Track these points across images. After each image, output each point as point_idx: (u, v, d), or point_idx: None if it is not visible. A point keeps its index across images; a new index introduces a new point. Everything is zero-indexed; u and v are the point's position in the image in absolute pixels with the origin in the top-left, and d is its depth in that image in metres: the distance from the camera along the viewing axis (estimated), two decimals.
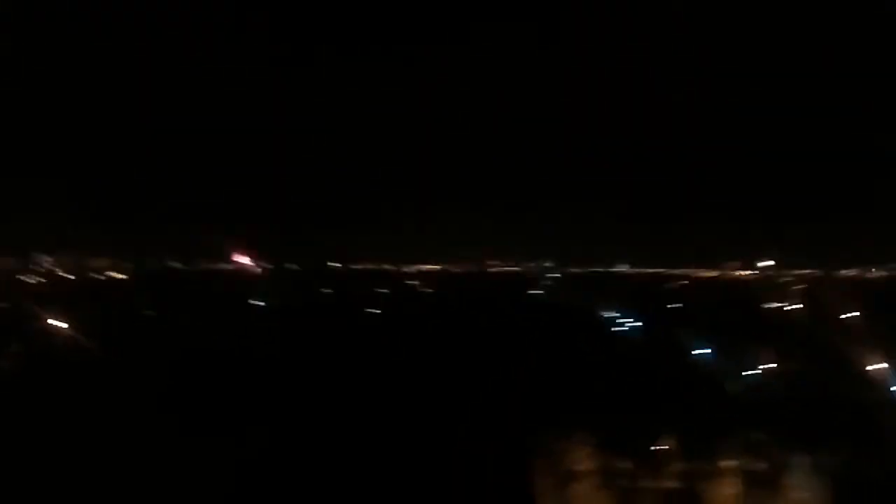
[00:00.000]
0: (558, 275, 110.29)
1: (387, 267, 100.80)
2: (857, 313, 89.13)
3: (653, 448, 44.67)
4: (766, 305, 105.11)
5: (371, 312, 78.09)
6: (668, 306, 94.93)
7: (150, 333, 64.76)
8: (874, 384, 56.76)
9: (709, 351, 66.30)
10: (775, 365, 65.12)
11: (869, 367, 59.84)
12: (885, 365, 58.56)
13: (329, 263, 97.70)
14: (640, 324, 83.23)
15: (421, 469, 41.45)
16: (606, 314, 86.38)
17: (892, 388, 54.91)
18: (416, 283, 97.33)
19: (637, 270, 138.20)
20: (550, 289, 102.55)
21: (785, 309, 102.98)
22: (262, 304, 77.32)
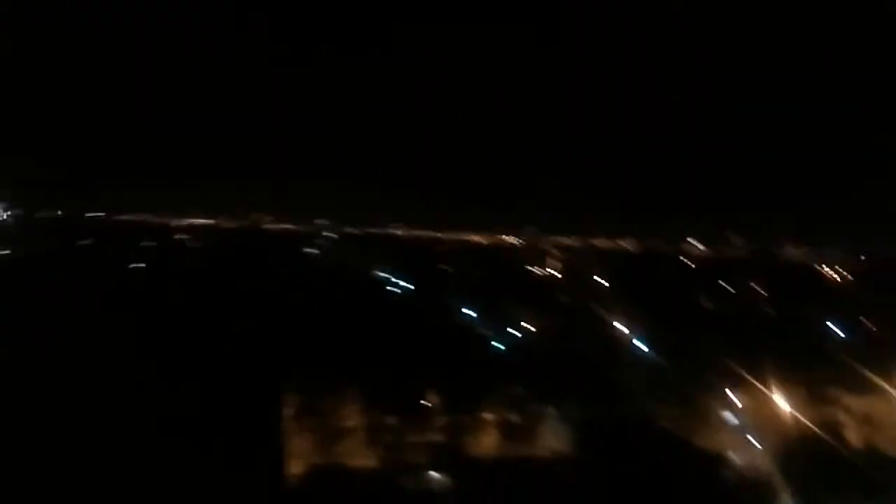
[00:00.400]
0: (334, 234, 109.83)
1: (153, 219, 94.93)
2: (608, 280, 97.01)
3: (418, 404, 46.27)
4: (529, 270, 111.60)
5: (135, 267, 73.30)
6: (439, 268, 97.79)
7: None
8: (617, 344, 62.29)
9: (474, 312, 69.21)
10: (533, 326, 69.45)
11: (614, 329, 65.56)
12: (627, 324, 64.48)
13: (89, 213, 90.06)
14: (411, 285, 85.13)
15: (180, 429, 40.11)
16: (380, 274, 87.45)
17: (632, 347, 60.61)
18: (185, 237, 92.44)
19: (410, 233, 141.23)
20: (325, 248, 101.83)
21: (544, 274, 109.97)
22: (6, 252, 69.91)
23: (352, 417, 43.55)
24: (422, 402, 46.61)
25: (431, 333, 56.87)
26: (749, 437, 46.73)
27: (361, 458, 41.72)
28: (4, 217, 79.63)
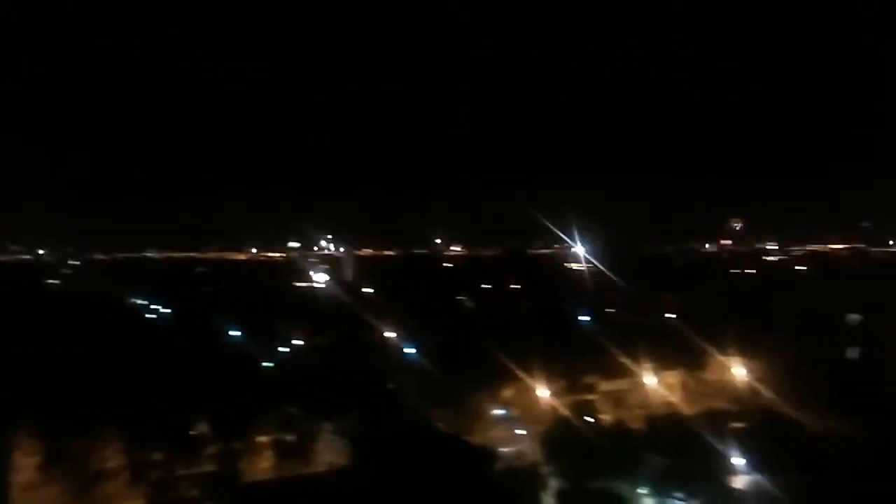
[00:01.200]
0: (78, 262, 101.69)
1: None
2: (373, 288, 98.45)
3: (186, 434, 43.81)
4: (294, 284, 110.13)
5: None
6: (199, 290, 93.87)
7: None
8: (387, 350, 63.20)
9: (240, 332, 67.10)
10: (304, 341, 68.60)
11: (385, 336, 66.52)
12: (395, 334, 65.65)
13: None
14: (169, 310, 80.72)
15: None
16: (134, 301, 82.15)
17: (401, 351, 61.73)
18: None
19: (166, 255, 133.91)
20: (70, 277, 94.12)
21: (309, 287, 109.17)
22: None
23: (113, 458, 40.35)
24: (190, 432, 44.28)
25: (195, 359, 54.09)
26: (517, 429, 49.38)
27: (126, 499, 38.80)
28: None
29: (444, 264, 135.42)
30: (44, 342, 54.21)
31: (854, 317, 51.29)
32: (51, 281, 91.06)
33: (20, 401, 42.44)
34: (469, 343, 58.00)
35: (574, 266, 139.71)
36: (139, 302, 79.58)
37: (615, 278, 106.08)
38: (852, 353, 50.47)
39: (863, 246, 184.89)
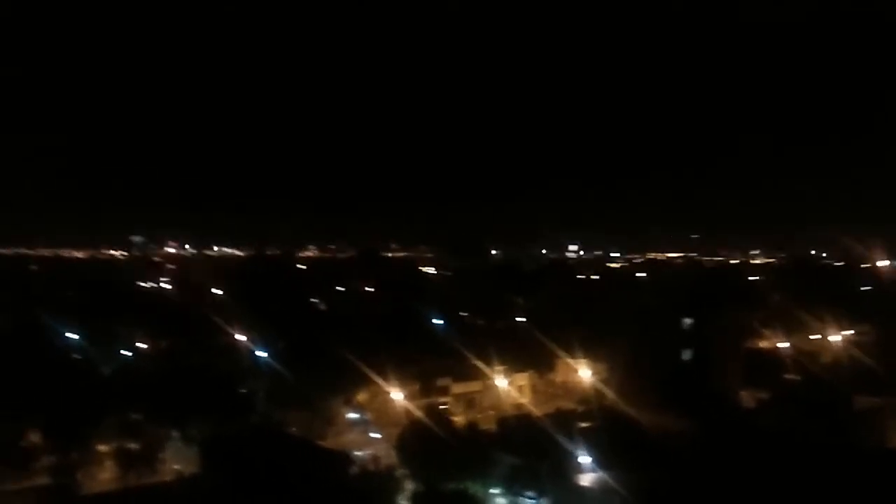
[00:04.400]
0: None
1: None
2: (222, 289, 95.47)
3: (16, 446, 41.02)
4: (137, 284, 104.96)
5: None
6: (32, 290, 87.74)
7: None
8: (237, 353, 61.42)
9: (77, 336, 63.32)
10: (149, 345, 65.59)
11: (234, 338, 64.63)
12: (245, 337, 63.86)
13: None
14: None
15: None
16: None
17: (251, 354, 60.18)
18: None
19: None
20: None
21: (155, 287, 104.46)
22: None
23: None
24: (20, 442, 41.41)
25: (26, 363, 50.30)
26: (371, 431, 49.41)
27: None
28: None
29: (298, 266, 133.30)
30: None
31: (688, 320, 54.88)
32: None
33: None
34: (322, 346, 57.35)
35: (427, 270, 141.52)
36: None
37: (467, 282, 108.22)
38: (686, 354, 53.81)
39: (695, 255, 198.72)
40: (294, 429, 47.21)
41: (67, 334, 62.73)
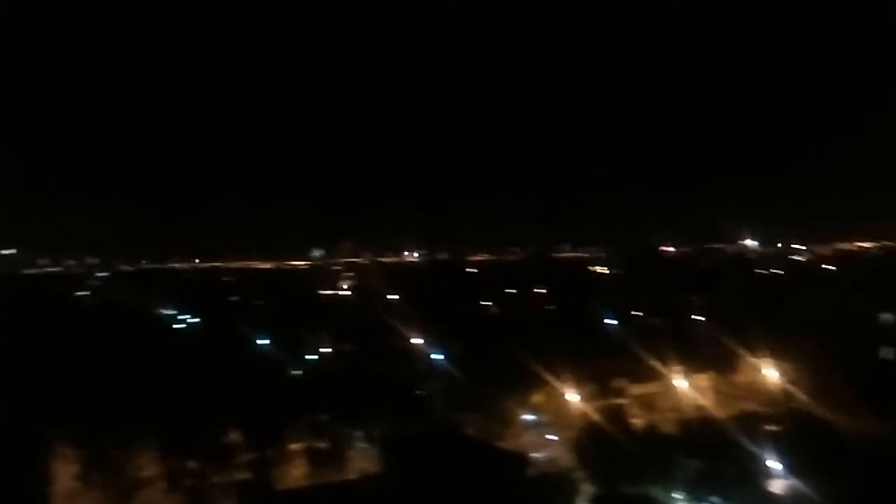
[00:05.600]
0: (105, 274, 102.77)
1: None
2: (398, 295, 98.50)
3: (220, 443, 44.17)
4: (319, 292, 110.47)
5: None
6: (226, 299, 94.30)
7: None
8: (414, 357, 63.24)
9: (269, 340, 67.38)
10: (331, 349, 68.81)
11: (410, 342, 66.52)
12: (421, 341, 65.66)
13: None
14: (197, 319, 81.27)
15: None
16: (162, 311, 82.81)
17: (428, 357, 61.80)
18: None
19: (191, 265, 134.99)
20: (99, 288, 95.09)
21: (335, 295, 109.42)
22: None
23: (148, 467, 40.75)
24: (223, 440, 44.61)
25: (225, 368, 54.47)
26: (547, 433, 49.28)
27: None
28: None
29: (469, 269, 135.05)
30: (77, 353, 54.82)
31: (888, 316, 50.77)
32: (80, 293, 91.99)
33: (57, 410, 43.00)
34: (496, 348, 57.97)
35: (598, 269, 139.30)
36: (168, 312, 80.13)
37: (640, 280, 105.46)
38: (886, 353, 49.98)
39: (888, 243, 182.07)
40: (471, 430, 47.95)
41: (259, 340, 66.95)
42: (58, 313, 74.48)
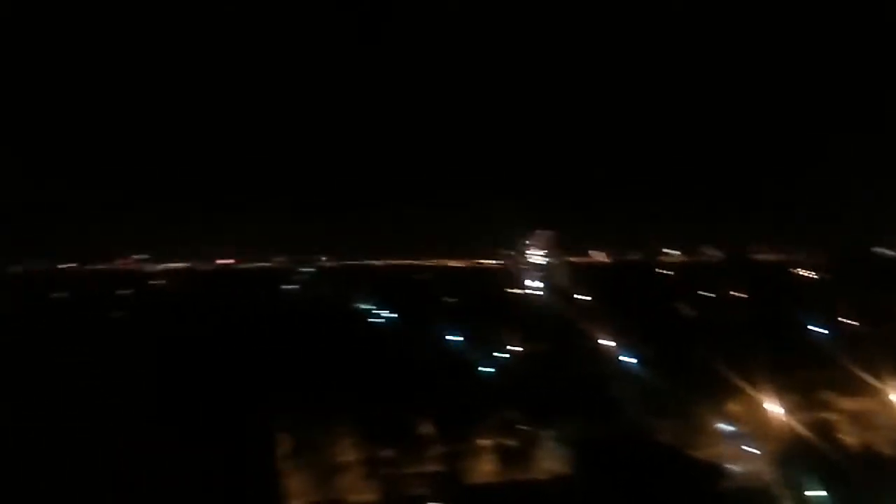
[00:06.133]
0: (312, 269, 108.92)
1: (127, 267, 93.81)
2: (589, 296, 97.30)
3: (414, 434, 45.78)
4: (509, 291, 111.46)
5: (115, 315, 72.25)
6: (420, 296, 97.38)
7: None
8: (606, 359, 62.26)
9: (460, 337, 68.82)
10: (520, 347, 69.16)
11: (601, 345, 65.55)
12: (613, 342, 64.47)
13: (62, 266, 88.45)
14: (393, 314, 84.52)
15: (177, 463, 39.35)
16: (361, 306, 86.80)
17: (619, 359, 60.62)
18: (161, 282, 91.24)
19: (388, 262, 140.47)
20: (304, 283, 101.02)
21: (525, 294, 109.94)
22: None
23: (347, 452, 42.96)
24: (416, 432, 46.14)
25: (419, 363, 56.39)
26: (745, 445, 46.78)
27: (361, 492, 41.15)
28: None
29: (662, 271, 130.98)
30: (286, 343, 58.85)
31: None
32: (288, 286, 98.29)
33: (272, 397, 46.60)
34: (690, 353, 55.93)
35: (801, 272, 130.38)
36: (366, 307, 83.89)
37: (851, 284, 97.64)
38: None
39: None
40: (664, 437, 46.55)
41: (451, 336, 68.52)
42: (268, 305, 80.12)
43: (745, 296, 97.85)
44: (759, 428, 48.87)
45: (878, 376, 52.00)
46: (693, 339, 64.24)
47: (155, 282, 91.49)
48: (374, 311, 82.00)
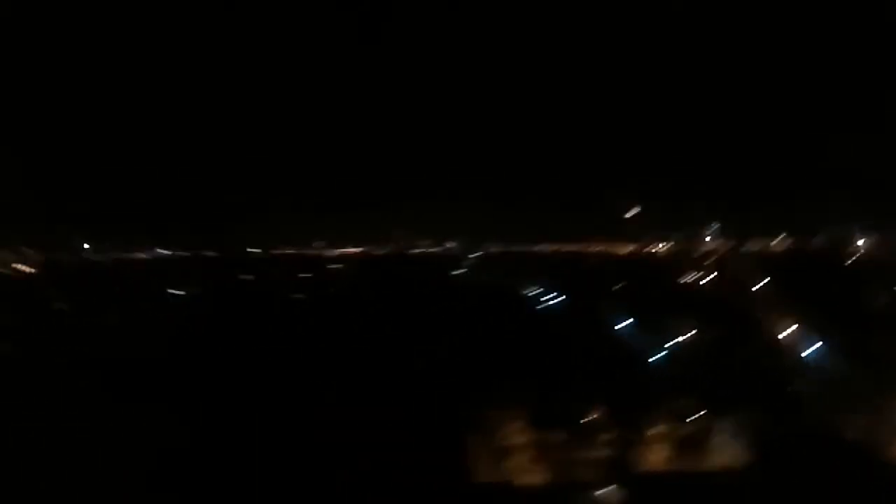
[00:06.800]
0: (480, 253, 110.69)
1: (307, 252, 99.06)
2: (765, 282, 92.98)
3: (584, 420, 45.99)
4: (679, 277, 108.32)
5: (295, 298, 76.75)
6: (588, 282, 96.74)
7: (65, 329, 61.67)
8: (785, 350, 59.44)
9: (629, 324, 67.87)
10: (693, 335, 67.33)
11: (780, 334, 62.63)
12: (794, 329, 61.37)
13: (249, 250, 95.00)
14: (562, 300, 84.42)
15: (358, 450, 41.62)
16: (529, 292, 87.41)
17: (802, 353, 57.65)
18: (339, 266, 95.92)
19: (556, 248, 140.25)
20: (472, 268, 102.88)
21: (698, 281, 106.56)
22: (181, 293, 74.42)
23: (519, 435, 43.76)
24: (586, 417, 46.21)
25: (588, 349, 56.26)
26: None
27: (532, 475, 41.91)
28: (174, 256, 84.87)
29: (847, 260, 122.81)
30: (455, 327, 60.51)
31: None
32: (455, 272, 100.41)
33: (459, 376, 48.41)
34: (884, 347, 52.36)
35: None
36: (535, 292, 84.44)
37: None
38: None
39: None
40: (850, 434, 44.07)
41: (620, 324, 67.77)
42: (439, 291, 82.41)
43: None
44: None
45: None
46: (885, 332, 60.06)
47: (333, 266, 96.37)
48: (542, 297, 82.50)
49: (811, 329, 59.53)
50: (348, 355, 55.57)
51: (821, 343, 56.50)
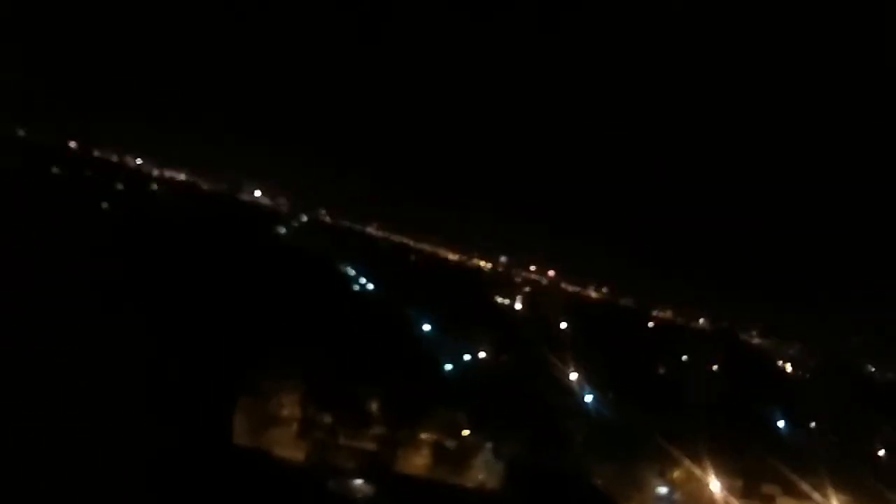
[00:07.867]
0: (308, 219, 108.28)
1: (131, 163, 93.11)
2: (569, 325, 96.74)
3: (358, 409, 45.19)
4: (494, 297, 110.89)
5: (105, 207, 71.68)
6: (406, 277, 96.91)
7: None
8: (569, 391, 61.64)
9: (432, 328, 68.26)
10: (488, 356, 68.64)
11: (569, 375, 64.96)
12: (579, 376, 63.88)
13: (69, 141, 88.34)
14: (375, 287, 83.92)
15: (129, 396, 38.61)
16: (346, 270, 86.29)
17: (583, 398, 59.96)
18: (160, 188, 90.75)
19: (385, 235, 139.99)
20: (297, 231, 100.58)
21: (511, 306, 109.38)
22: None
23: (290, 408, 42.29)
24: (361, 406, 45.51)
25: (386, 341, 55.64)
26: None
27: (291, 449, 40.60)
28: None
29: (650, 325, 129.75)
30: (275, 288, 58.17)
31: None
32: (280, 230, 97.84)
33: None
34: (652, 411, 55.36)
35: None
36: (350, 271, 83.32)
37: None
38: None
39: None
40: (599, 481, 46.04)
41: (426, 326, 67.88)
42: (252, 246, 79.99)
43: (723, 375, 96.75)
44: (695, 501, 48.32)
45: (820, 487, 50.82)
46: (660, 401, 63.13)
47: (154, 187, 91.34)
48: (356, 278, 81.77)
49: (598, 378, 62.17)
50: (146, 283, 52.38)
51: (603, 393, 59.11)
